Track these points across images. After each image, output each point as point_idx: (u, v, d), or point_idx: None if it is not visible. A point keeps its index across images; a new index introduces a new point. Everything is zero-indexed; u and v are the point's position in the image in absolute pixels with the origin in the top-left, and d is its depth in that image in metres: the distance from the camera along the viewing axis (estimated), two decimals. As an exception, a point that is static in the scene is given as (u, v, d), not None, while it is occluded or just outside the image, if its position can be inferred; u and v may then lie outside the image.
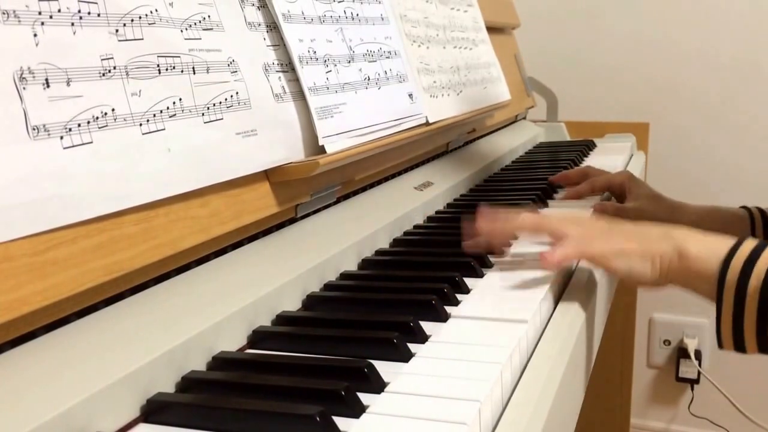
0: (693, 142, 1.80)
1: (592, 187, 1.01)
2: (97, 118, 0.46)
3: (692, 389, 1.89)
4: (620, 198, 1.00)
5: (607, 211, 0.91)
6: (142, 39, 0.51)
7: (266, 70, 0.65)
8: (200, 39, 0.57)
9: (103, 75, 0.47)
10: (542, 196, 0.98)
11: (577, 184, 1.02)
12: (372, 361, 0.47)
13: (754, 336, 0.59)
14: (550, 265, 0.63)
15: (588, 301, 0.66)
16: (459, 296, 0.62)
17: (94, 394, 0.40)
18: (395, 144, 0.80)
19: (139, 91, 0.50)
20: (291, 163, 0.64)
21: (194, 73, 0.55)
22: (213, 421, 0.42)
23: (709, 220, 0.94)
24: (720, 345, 0.62)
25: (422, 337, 0.53)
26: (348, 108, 0.73)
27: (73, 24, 0.46)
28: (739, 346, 0.61)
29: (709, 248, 0.62)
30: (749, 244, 0.61)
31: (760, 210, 0.95)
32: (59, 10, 0.45)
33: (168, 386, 0.46)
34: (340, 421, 0.41)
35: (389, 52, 0.86)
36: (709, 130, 1.78)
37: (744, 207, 0.96)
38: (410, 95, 0.87)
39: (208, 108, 0.56)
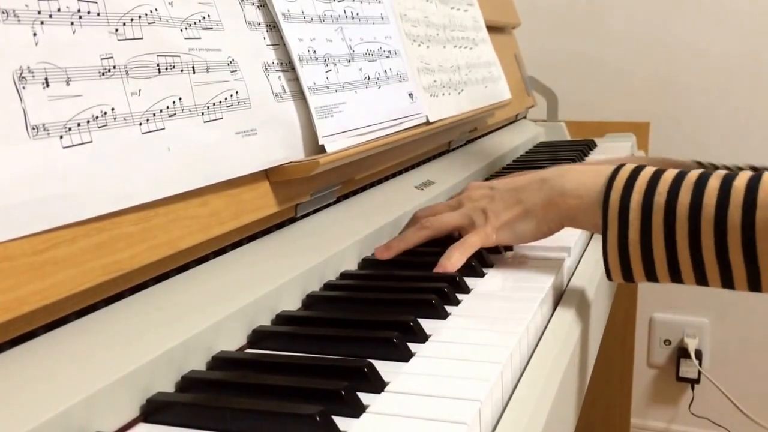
0: (693, 141, 1.80)
1: None
2: (97, 117, 0.46)
3: (693, 389, 1.89)
4: None
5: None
6: (142, 38, 0.51)
7: (266, 69, 0.65)
8: (200, 38, 0.57)
9: (103, 74, 0.47)
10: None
11: None
12: (372, 361, 0.47)
13: (639, 259, 0.58)
14: (451, 269, 0.66)
15: (588, 300, 0.66)
16: (459, 296, 0.62)
17: (94, 393, 0.40)
18: (395, 143, 0.80)
19: (139, 91, 0.50)
20: (291, 162, 0.64)
21: (194, 73, 0.55)
22: (213, 421, 0.42)
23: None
24: (608, 275, 0.61)
25: (422, 337, 0.53)
26: (348, 107, 0.73)
27: (72, 23, 0.46)
28: (627, 274, 0.60)
29: (588, 179, 0.63)
30: (629, 167, 0.61)
31: (714, 166, 0.93)
32: (59, 10, 0.45)
33: (168, 386, 0.46)
34: (340, 420, 0.41)
35: (389, 51, 0.86)
36: (709, 129, 1.78)
37: (698, 162, 0.94)
38: (410, 95, 0.87)
39: (208, 107, 0.56)
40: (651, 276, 0.59)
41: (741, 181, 0.55)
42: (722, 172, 0.57)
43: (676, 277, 0.58)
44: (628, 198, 0.59)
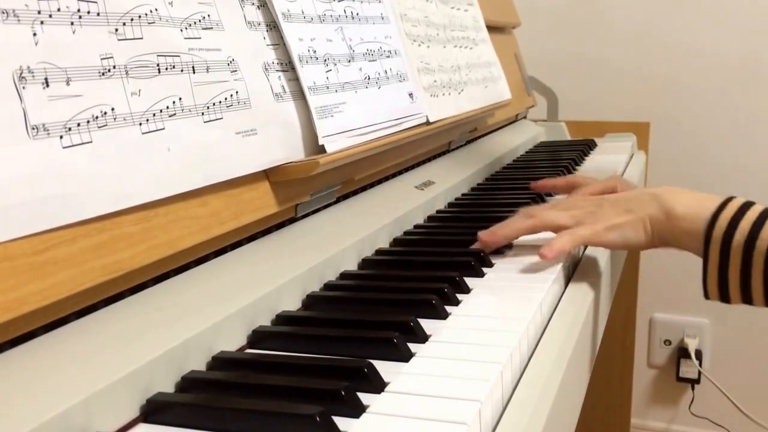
0: (694, 141, 1.80)
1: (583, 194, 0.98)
2: (97, 117, 0.46)
3: (693, 389, 1.89)
4: None
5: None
6: (142, 38, 0.51)
7: (266, 69, 0.65)
8: (200, 38, 0.57)
9: (103, 74, 0.47)
10: (542, 195, 0.98)
11: (564, 193, 0.97)
12: (372, 361, 0.47)
13: (738, 288, 0.63)
14: (549, 259, 0.66)
15: (589, 300, 0.66)
16: (459, 296, 0.62)
17: (94, 394, 0.40)
18: (395, 143, 0.80)
19: (139, 91, 0.50)
20: (291, 162, 0.64)
21: (194, 73, 0.55)
22: (213, 421, 0.42)
23: None
24: (706, 296, 0.66)
25: (422, 337, 0.53)
26: (348, 107, 0.73)
27: (72, 23, 0.46)
28: (724, 297, 0.65)
29: (695, 207, 0.66)
30: (736, 202, 0.64)
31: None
32: (59, 9, 0.45)
33: (168, 386, 0.46)
34: (340, 421, 0.41)
35: (389, 51, 0.86)
36: (710, 129, 1.78)
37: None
38: (410, 94, 0.87)
39: (208, 107, 0.56)
40: (747, 302, 0.65)
41: None
42: None
43: None
44: (730, 237, 0.62)
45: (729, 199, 0.65)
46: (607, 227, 0.69)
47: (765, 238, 0.61)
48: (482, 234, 0.73)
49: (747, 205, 0.64)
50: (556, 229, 0.71)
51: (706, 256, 0.64)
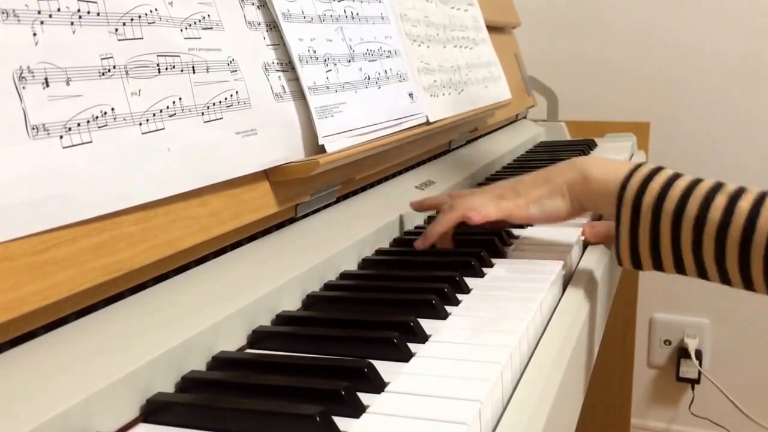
0: (694, 141, 1.80)
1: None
2: (97, 117, 0.46)
3: (693, 389, 1.89)
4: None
5: (599, 232, 0.83)
6: (142, 38, 0.51)
7: (266, 69, 0.65)
8: (200, 38, 0.57)
9: (103, 74, 0.47)
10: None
11: None
12: (372, 361, 0.47)
13: (649, 254, 0.63)
14: (475, 222, 0.71)
15: (588, 300, 0.66)
16: (459, 296, 0.62)
17: (94, 394, 0.40)
18: (395, 143, 0.80)
19: (139, 91, 0.50)
20: (291, 162, 0.64)
21: (194, 73, 0.55)
22: (213, 421, 0.42)
23: None
24: (619, 262, 0.66)
25: (422, 337, 0.53)
26: (348, 107, 0.73)
27: (72, 23, 0.46)
28: (636, 263, 0.64)
29: (611, 170, 0.67)
30: (647, 166, 0.65)
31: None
32: (59, 9, 0.45)
33: (168, 386, 0.46)
34: (340, 421, 0.41)
35: (389, 51, 0.86)
36: (710, 129, 1.78)
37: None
38: (410, 94, 0.87)
39: (208, 107, 0.56)
40: (658, 268, 0.64)
41: (746, 202, 0.58)
42: (731, 189, 0.60)
43: (680, 271, 0.63)
44: (640, 199, 0.63)
45: (640, 165, 0.66)
46: (527, 201, 0.72)
47: (673, 198, 0.61)
48: (416, 243, 0.75)
49: (657, 169, 0.64)
50: (480, 207, 0.74)
51: (618, 218, 0.64)
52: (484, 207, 0.72)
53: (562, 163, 0.72)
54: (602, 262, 0.76)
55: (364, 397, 0.43)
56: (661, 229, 0.61)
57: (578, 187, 0.70)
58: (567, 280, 0.70)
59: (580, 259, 0.76)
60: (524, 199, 0.72)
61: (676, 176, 0.63)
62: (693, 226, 0.60)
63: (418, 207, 0.83)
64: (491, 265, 0.71)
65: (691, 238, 0.60)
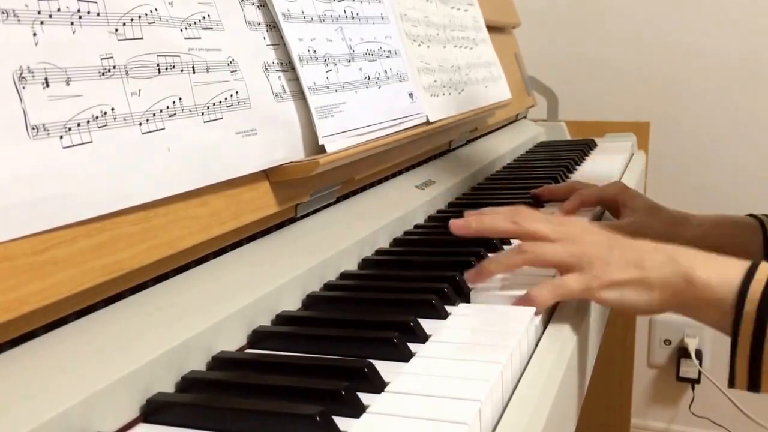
0: (694, 141, 1.80)
1: (581, 201, 0.90)
2: (97, 117, 0.46)
3: (693, 389, 1.89)
4: (615, 213, 0.90)
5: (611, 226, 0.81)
6: (142, 38, 0.51)
7: (266, 69, 0.65)
8: (200, 38, 0.57)
9: (103, 74, 0.47)
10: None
11: (565, 200, 0.90)
12: (372, 361, 0.47)
13: None
14: (536, 306, 0.58)
15: (590, 301, 0.66)
16: (459, 296, 0.62)
17: (94, 394, 0.40)
18: (395, 143, 0.80)
19: (139, 91, 0.50)
20: (291, 162, 0.64)
21: (194, 73, 0.55)
22: (213, 421, 0.42)
23: (716, 233, 0.85)
24: (732, 383, 0.57)
25: (422, 337, 0.53)
26: (348, 107, 0.73)
27: (72, 23, 0.46)
28: (754, 385, 0.56)
29: (720, 273, 0.57)
30: (766, 268, 0.55)
31: None
32: (59, 10, 0.45)
33: (168, 386, 0.46)
34: (340, 421, 0.41)
35: (389, 51, 0.86)
36: (710, 129, 1.78)
37: (751, 215, 0.88)
38: (410, 94, 0.87)
39: (208, 107, 0.56)
40: None
41: None
42: None
43: None
44: (765, 312, 0.54)
45: (755, 265, 0.56)
46: (605, 283, 0.59)
47: None
48: (468, 274, 0.64)
49: None
50: (552, 266, 0.63)
51: (735, 335, 0.55)
52: (541, 291, 0.58)
53: (662, 251, 0.60)
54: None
55: (364, 397, 0.43)
56: None
57: (678, 289, 0.57)
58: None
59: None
60: (601, 280, 0.59)
61: None
62: None
63: (476, 225, 0.67)
64: (491, 265, 0.70)
65: None
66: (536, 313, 0.57)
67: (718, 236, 0.83)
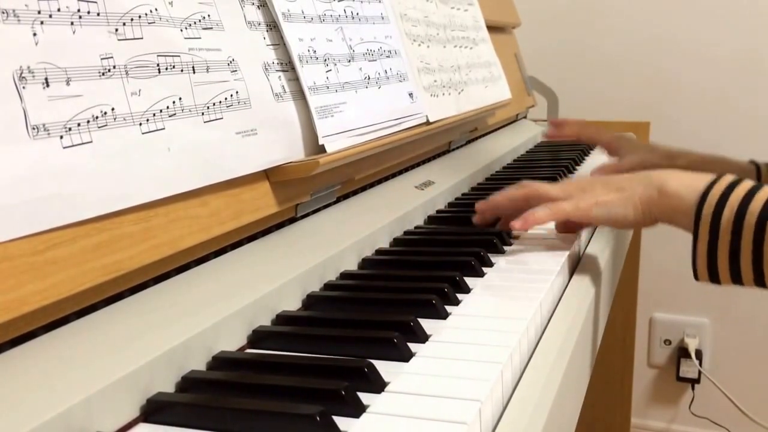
0: (694, 141, 1.79)
1: (577, 133, 1.09)
2: (97, 117, 0.46)
3: (693, 389, 1.89)
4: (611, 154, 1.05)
5: (608, 172, 0.99)
6: (142, 38, 0.51)
7: (266, 69, 0.65)
8: (200, 38, 0.57)
9: (103, 74, 0.47)
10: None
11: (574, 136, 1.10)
12: (372, 361, 0.47)
13: (727, 267, 0.62)
14: (517, 228, 0.70)
15: (588, 299, 0.66)
16: (459, 296, 0.62)
17: (94, 394, 0.40)
18: (395, 143, 0.80)
19: (139, 91, 0.50)
20: (291, 162, 0.64)
21: (194, 73, 0.55)
22: (213, 421, 0.42)
23: (710, 167, 0.94)
24: (696, 277, 0.65)
25: (423, 337, 0.53)
26: (348, 107, 0.73)
27: (72, 23, 0.46)
28: (714, 277, 0.64)
29: (687, 184, 0.66)
30: (726, 179, 0.64)
31: None
32: (59, 10, 0.45)
33: (168, 386, 0.46)
34: (340, 420, 0.41)
35: (389, 51, 0.86)
36: (709, 128, 1.78)
37: (752, 161, 0.96)
38: (410, 94, 0.87)
39: (208, 107, 0.56)
40: (737, 282, 0.63)
41: None
42: None
43: (760, 283, 0.62)
44: (720, 213, 0.62)
45: (718, 177, 0.65)
46: (592, 203, 0.70)
47: (753, 212, 0.60)
48: (478, 204, 0.78)
49: (737, 182, 0.63)
50: (545, 198, 0.73)
51: (695, 233, 0.63)
52: (537, 210, 0.70)
53: (637, 175, 0.71)
54: (603, 259, 0.76)
55: (365, 397, 0.43)
56: (742, 245, 0.60)
57: (654, 201, 0.68)
58: (567, 279, 0.70)
59: (580, 257, 0.76)
60: (588, 201, 0.70)
61: (756, 188, 0.62)
62: None
63: (485, 207, 0.80)
64: (491, 265, 0.70)
65: None
66: (525, 229, 0.69)
67: (710, 171, 0.92)
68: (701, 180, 0.65)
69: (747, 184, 0.63)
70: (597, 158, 1.34)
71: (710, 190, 0.63)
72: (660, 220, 0.69)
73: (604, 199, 0.70)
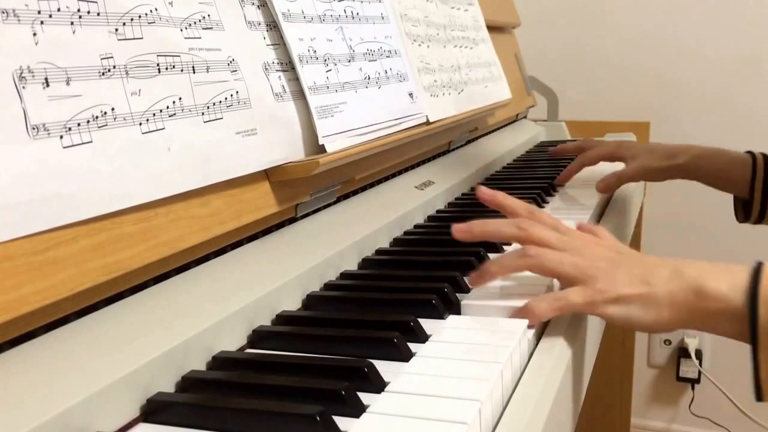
0: (694, 141, 1.78)
1: (581, 163, 1.07)
2: (97, 117, 0.46)
3: (693, 389, 1.89)
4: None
5: (611, 183, 0.98)
6: (142, 38, 0.51)
7: (266, 69, 0.65)
8: (200, 38, 0.57)
9: (103, 74, 0.47)
10: (542, 196, 0.98)
11: (573, 159, 1.09)
12: (372, 361, 0.47)
13: None
14: (533, 319, 0.56)
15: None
16: (459, 295, 0.62)
17: (94, 393, 0.40)
18: (395, 143, 0.80)
19: (139, 91, 0.50)
20: (291, 162, 0.64)
21: (194, 73, 0.55)
22: (213, 421, 0.42)
23: (708, 161, 0.97)
24: (758, 397, 0.55)
25: (423, 337, 0.53)
26: (348, 107, 0.73)
27: (72, 23, 0.46)
28: None
29: (725, 279, 0.54)
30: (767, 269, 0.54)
31: (765, 156, 0.95)
32: (59, 9, 0.45)
33: (168, 386, 0.46)
34: (340, 420, 0.41)
35: (389, 51, 0.86)
36: (709, 128, 1.78)
37: (749, 152, 0.97)
38: (410, 94, 0.87)
39: (208, 107, 0.56)
40: None
41: None
42: None
43: None
44: None
45: (759, 267, 0.55)
46: (610, 298, 0.56)
47: None
48: (472, 276, 0.62)
49: None
50: (555, 276, 0.60)
51: (755, 344, 0.53)
52: (540, 305, 0.56)
53: (663, 264, 0.58)
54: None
55: (365, 397, 0.43)
56: None
57: (689, 305, 0.55)
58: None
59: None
60: (605, 295, 0.56)
61: None
62: None
63: (478, 230, 0.63)
64: (491, 265, 0.70)
65: None
66: (529, 326, 0.55)
67: (709, 165, 0.97)
68: (740, 273, 0.55)
69: None
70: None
71: (758, 286, 0.53)
72: (695, 328, 0.57)
73: (626, 293, 0.56)
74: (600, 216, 0.94)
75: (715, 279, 0.55)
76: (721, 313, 0.54)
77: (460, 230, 0.62)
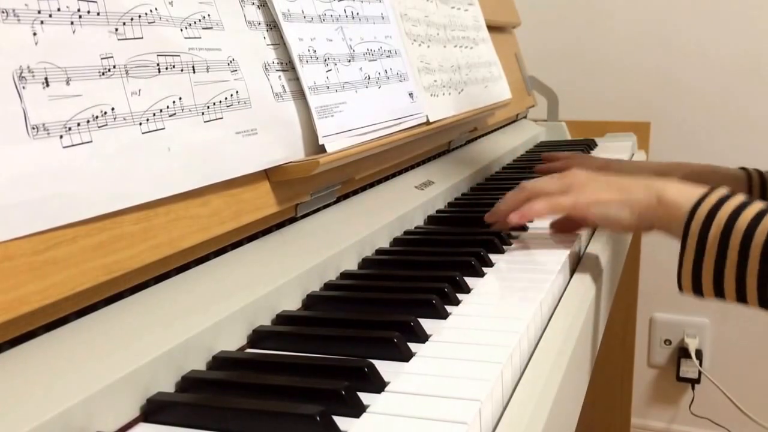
0: (694, 141, 1.80)
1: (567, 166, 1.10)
2: (97, 117, 0.46)
3: (693, 389, 1.89)
4: None
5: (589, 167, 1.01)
6: (142, 38, 0.51)
7: (266, 69, 0.65)
8: (200, 38, 0.57)
9: (103, 74, 0.47)
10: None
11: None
12: (372, 361, 0.47)
13: (711, 283, 0.63)
14: (514, 223, 0.71)
15: (589, 299, 0.66)
16: (459, 295, 0.62)
17: (94, 393, 0.40)
18: (395, 143, 0.80)
19: (139, 90, 0.50)
20: (291, 162, 0.64)
21: (194, 72, 0.55)
22: (213, 421, 0.42)
23: (700, 179, 0.96)
24: (680, 287, 0.66)
25: (423, 337, 0.53)
26: (348, 107, 0.73)
27: (72, 23, 0.46)
28: (697, 290, 0.64)
29: (686, 195, 0.66)
30: (717, 194, 0.64)
31: (759, 172, 0.96)
32: (59, 9, 0.45)
33: (168, 386, 0.46)
34: (340, 420, 0.41)
35: (390, 51, 0.86)
36: (710, 129, 1.78)
37: (743, 168, 0.98)
38: (411, 94, 0.87)
39: (208, 107, 0.56)
40: (719, 296, 0.64)
41: None
42: None
43: (741, 299, 0.62)
44: (707, 230, 0.62)
45: (713, 190, 0.65)
46: (591, 201, 0.70)
47: (739, 230, 0.60)
48: (486, 215, 0.78)
49: (727, 197, 0.63)
50: (548, 194, 0.73)
51: (683, 245, 0.64)
52: (535, 203, 0.71)
53: (640, 182, 0.71)
54: (604, 258, 0.76)
55: (365, 397, 0.43)
56: (727, 263, 0.61)
57: (652, 208, 0.68)
58: (570, 276, 0.70)
59: (581, 257, 0.76)
60: (587, 198, 0.71)
61: (744, 204, 0.62)
62: (760, 258, 0.59)
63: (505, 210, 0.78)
64: (491, 265, 0.71)
65: (757, 269, 0.59)
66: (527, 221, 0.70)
67: (703, 183, 0.96)
68: (698, 192, 0.65)
69: (736, 200, 0.63)
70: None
71: (700, 204, 0.64)
72: (655, 228, 0.69)
73: (604, 197, 0.70)
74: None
75: (676, 191, 0.67)
76: (674, 218, 0.66)
77: (491, 222, 0.78)
